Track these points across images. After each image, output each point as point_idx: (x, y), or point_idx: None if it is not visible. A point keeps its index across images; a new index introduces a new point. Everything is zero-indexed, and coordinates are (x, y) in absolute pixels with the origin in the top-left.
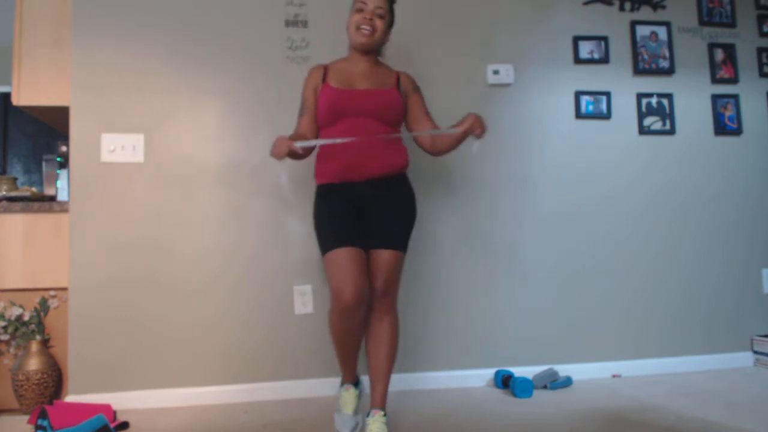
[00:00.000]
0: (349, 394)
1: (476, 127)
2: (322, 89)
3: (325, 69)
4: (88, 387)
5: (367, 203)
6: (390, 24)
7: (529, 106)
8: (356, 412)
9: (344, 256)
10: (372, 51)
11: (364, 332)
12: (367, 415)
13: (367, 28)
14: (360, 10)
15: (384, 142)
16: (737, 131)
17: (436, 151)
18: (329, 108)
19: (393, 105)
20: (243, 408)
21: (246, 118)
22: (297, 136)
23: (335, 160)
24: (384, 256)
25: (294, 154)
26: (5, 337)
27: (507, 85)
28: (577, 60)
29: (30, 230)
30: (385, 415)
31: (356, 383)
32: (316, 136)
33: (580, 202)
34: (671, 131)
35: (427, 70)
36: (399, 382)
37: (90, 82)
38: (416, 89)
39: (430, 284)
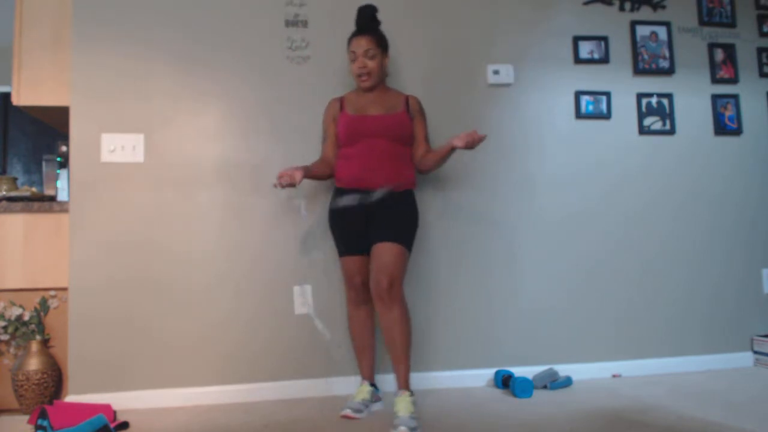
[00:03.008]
0: (361, 388)
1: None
2: (340, 117)
3: (341, 100)
4: (88, 387)
5: (373, 211)
6: (385, 50)
7: (529, 106)
8: (366, 405)
9: (346, 261)
10: (377, 85)
11: (368, 328)
12: (395, 395)
13: (364, 76)
14: (353, 59)
15: (393, 163)
16: (737, 131)
17: (424, 169)
18: (346, 132)
19: (401, 127)
20: (243, 408)
21: (246, 118)
22: (323, 160)
23: (349, 170)
24: (382, 249)
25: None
26: (5, 337)
27: (507, 85)
28: (577, 60)
29: (30, 230)
30: (412, 395)
31: (372, 384)
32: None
33: (579, 202)
34: (671, 131)
35: (427, 70)
36: None
37: (90, 83)
38: (420, 113)
39: (430, 284)
